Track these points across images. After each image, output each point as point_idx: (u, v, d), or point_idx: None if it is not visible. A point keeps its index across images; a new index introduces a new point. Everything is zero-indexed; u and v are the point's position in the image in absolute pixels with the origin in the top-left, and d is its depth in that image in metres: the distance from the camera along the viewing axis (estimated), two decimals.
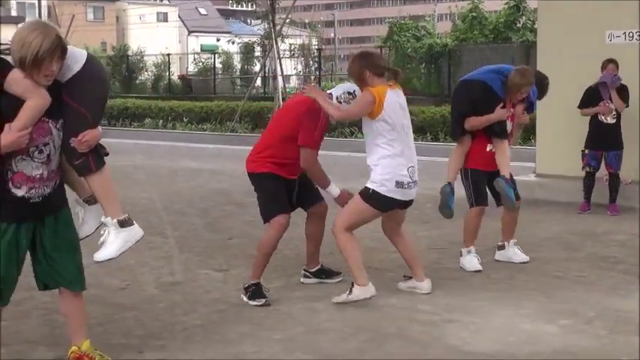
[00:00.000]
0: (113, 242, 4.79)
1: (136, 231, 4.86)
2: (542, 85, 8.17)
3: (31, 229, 4.69)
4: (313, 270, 7.15)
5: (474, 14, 36.47)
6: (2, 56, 4.50)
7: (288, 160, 6.57)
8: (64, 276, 4.83)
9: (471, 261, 7.64)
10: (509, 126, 7.74)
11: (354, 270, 6.39)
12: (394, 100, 6.33)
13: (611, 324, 5.99)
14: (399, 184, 6.31)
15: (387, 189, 6.31)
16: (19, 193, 4.58)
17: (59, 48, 4.45)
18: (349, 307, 6.40)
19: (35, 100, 4.44)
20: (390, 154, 6.29)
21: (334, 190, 6.66)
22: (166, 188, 13.42)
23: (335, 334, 5.79)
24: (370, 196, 6.38)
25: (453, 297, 6.72)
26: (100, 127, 4.74)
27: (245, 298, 6.52)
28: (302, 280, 7.16)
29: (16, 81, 4.41)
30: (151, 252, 8.33)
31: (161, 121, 32.40)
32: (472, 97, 7.62)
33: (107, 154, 4.84)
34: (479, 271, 7.54)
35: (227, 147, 21.86)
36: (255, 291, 6.52)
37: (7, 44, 4.62)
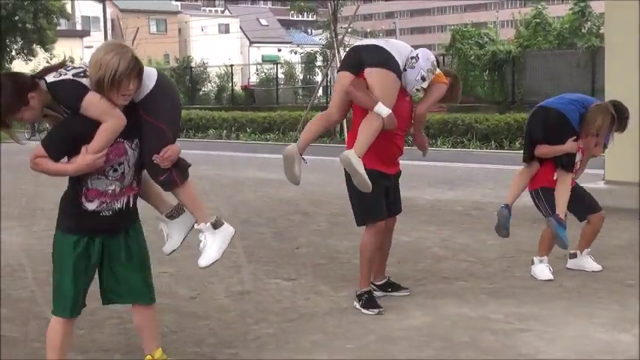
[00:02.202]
0: (212, 246, 4.95)
1: (228, 229, 5.03)
2: (620, 119, 7.94)
3: (101, 243, 4.77)
4: (379, 283, 7.01)
5: (538, 20, 36.13)
6: (78, 79, 4.57)
7: (377, 148, 6.23)
8: (131, 293, 4.90)
9: (542, 270, 7.57)
10: (578, 157, 7.66)
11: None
12: None
13: None
14: None
15: None
16: (91, 207, 4.66)
17: (136, 68, 4.52)
18: (420, 315, 6.39)
19: (111, 122, 4.51)
20: None
21: (383, 109, 6.06)
22: (232, 198, 13.52)
23: (408, 343, 5.78)
24: None
25: (525, 306, 6.66)
26: (177, 143, 4.82)
27: (358, 306, 6.47)
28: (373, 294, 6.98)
29: (93, 104, 4.48)
30: (219, 262, 8.29)
31: (225, 131, 32.68)
32: (547, 125, 7.55)
33: (189, 166, 4.93)
34: (550, 280, 7.47)
35: None
36: (368, 299, 6.45)
37: (80, 67, 4.69)
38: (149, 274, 4.99)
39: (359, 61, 6.20)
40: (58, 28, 53.25)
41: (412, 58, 6.24)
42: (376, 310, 6.36)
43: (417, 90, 6.33)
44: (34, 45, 50.09)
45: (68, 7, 56.70)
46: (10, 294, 7.34)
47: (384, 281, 7.03)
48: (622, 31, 11.76)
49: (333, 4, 30.09)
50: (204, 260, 4.97)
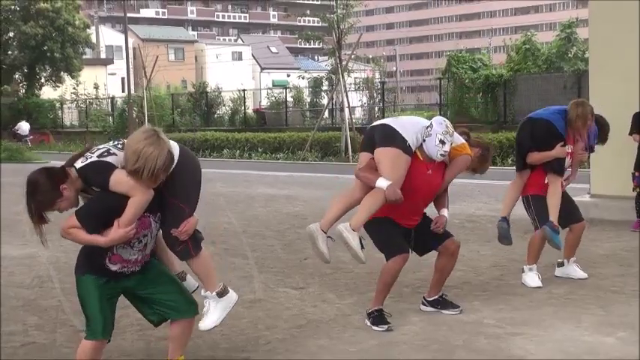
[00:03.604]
0: (215, 311, 5.11)
1: (231, 297, 5.20)
2: (602, 130, 8.10)
3: (123, 280, 4.86)
4: (431, 299, 6.79)
5: (527, 46, 36.23)
6: (103, 159, 4.62)
7: (392, 210, 6.17)
8: (175, 309, 4.97)
9: (532, 278, 7.57)
10: (567, 162, 7.68)
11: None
12: None
13: None
14: None
15: None
16: (113, 268, 4.77)
17: (171, 163, 4.62)
18: (420, 322, 6.40)
19: (140, 196, 4.57)
20: None
21: (383, 182, 5.95)
22: (245, 213, 13.54)
23: (407, 346, 5.79)
24: None
25: (516, 311, 6.66)
26: (196, 215, 4.89)
27: (368, 323, 6.32)
28: (420, 307, 6.82)
29: (121, 182, 4.54)
30: (233, 272, 8.42)
31: (238, 151, 32.70)
32: (535, 134, 7.58)
33: (202, 239, 5.03)
34: (539, 287, 7.47)
35: (299, 174, 21.96)
36: (377, 317, 6.30)
37: (104, 147, 4.73)
38: (181, 285, 5.09)
39: (372, 140, 6.16)
40: (84, 56, 53.53)
41: (427, 127, 6.13)
42: (385, 327, 6.22)
43: (442, 155, 6.12)
44: (62, 73, 50.36)
45: (93, 37, 57.07)
46: (40, 303, 7.36)
47: (435, 298, 6.77)
48: (606, 48, 11.80)
49: (338, 32, 30.15)
50: (204, 324, 5.11)
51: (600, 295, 7.21)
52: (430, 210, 6.49)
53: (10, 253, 9.91)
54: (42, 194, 4.55)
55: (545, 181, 7.58)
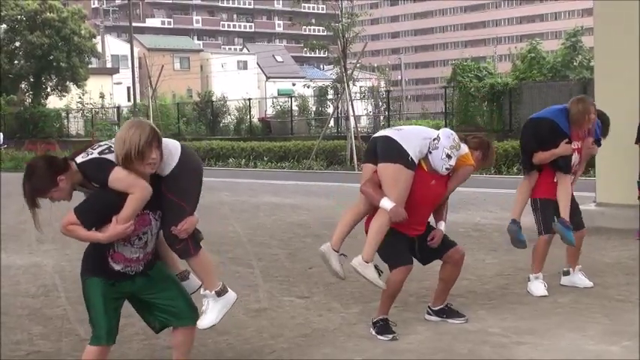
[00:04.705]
0: (213, 310, 5.10)
1: (230, 296, 5.18)
2: (604, 122, 8.14)
3: (128, 283, 4.86)
4: (436, 308, 6.77)
5: (533, 55, 36.19)
6: (104, 156, 4.66)
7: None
8: (177, 315, 4.97)
9: (537, 286, 7.56)
10: (575, 159, 7.67)
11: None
12: None
13: None
14: None
15: None
16: (116, 267, 4.78)
17: (155, 138, 4.62)
18: (425, 331, 6.39)
19: (138, 193, 4.59)
20: None
21: (387, 203, 5.99)
22: (250, 222, 13.54)
23: (412, 355, 5.78)
24: None
25: (522, 320, 6.65)
26: (196, 214, 4.90)
27: (373, 332, 6.31)
28: (425, 316, 6.81)
29: (120, 179, 4.57)
30: (237, 281, 8.41)
31: (243, 160, 32.71)
32: (539, 133, 7.58)
33: (202, 239, 5.04)
34: (545, 296, 7.45)
35: (305, 183, 21.96)
36: (382, 326, 6.29)
37: (105, 144, 4.78)
38: (185, 290, 5.09)
39: (375, 153, 6.13)
40: (90, 66, 53.67)
41: (434, 139, 6.08)
42: (390, 336, 6.20)
43: (447, 169, 6.11)
44: (68, 82, 50.46)
45: (99, 47, 57.22)
46: (45, 312, 7.38)
47: (440, 307, 6.74)
48: (611, 57, 11.80)
49: (343, 41, 30.18)
50: (202, 323, 5.08)
51: (606, 303, 7.19)
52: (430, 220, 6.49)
53: (16, 262, 9.93)
54: (38, 180, 4.60)
55: (555, 180, 7.56)
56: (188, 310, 5.00)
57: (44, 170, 4.61)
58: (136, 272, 4.84)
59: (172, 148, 4.81)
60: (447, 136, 6.10)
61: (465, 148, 6.31)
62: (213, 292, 5.07)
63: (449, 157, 6.05)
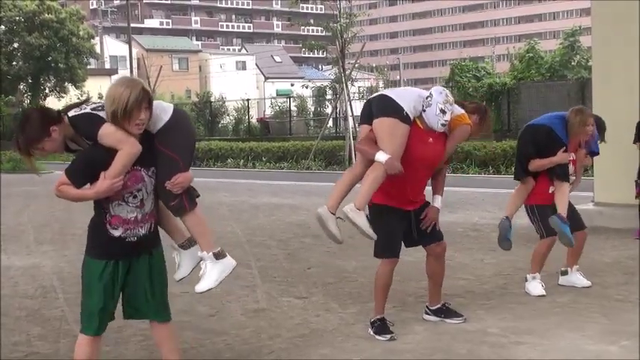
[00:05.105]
0: (211, 273, 4.90)
1: (229, 261, 4.98)
2: (599, 126, 8.12)
3: (127, 265, 4.80)
4: (434, 308, 6.74)
5: (531, 54, 36.26)
6: (95, 112, 4.66)
7: (393, 187, 6.13)
8: (149, 310, 4.90)
9: (535, 286, 7.55)
10: (571, 169, 7.67)
11: None
12: None
13: None
14: None
15: None
16: (116, 233, 4.71)
17: (145, 98, 4.59)
18: (423, 331, 6.39)
19: (127, 149, 4.56)
20: None
21: (381, 156, 5.90)
22: (248, 222, 13.53)
23: (410, 355, 5.78)
24: None
25: (520, 320, 6.65)
26: (191, 171, 4.85)
27: (371, 332, 6.29)
28: (424, 316, 6.78)
29: (108, 133, 4.55)
30: (236, 281, 8.39)
31: (242, 160, 32.71)
32: (536, 140, 7.57)
33: (198, 196, 4.93)
34: (543, 295, 7.45)
35: (303, 183, 21.95)
36: (380, 326, 6.28)
37: (99, 102, 4.78)
38: (166, 295, 4.99)
39: (370, 112, 6.13)
40: (88, 67, 53.66)
41: (427, 97, 6.08)
42: (388, 336, 6.19)
43: (443, 125, 6.08)
44: (66, 83, 50.47)
45: (97, 48, 57.17)
46: (43, 313, 7.37)
47: (437, 307, 6.72)
48: (609, 56, 11.81)
49: (341, 42, 30.18)
50: (200, 286, 4.93)
51: (604, 303, 7.19)
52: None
53: (15, 263, 9.92)
54: (32, 129, 4.62)
55: (550, 191, 7.55)
56: (160, 306, 4.90)
57: (38, 120, 4.63)
58: (138, 241, 4.74)
59: (166, 106, 4.80)
60: (439, 92, 6.12)
61: (459, 109, 6.33)
62: (211, 253, 4.90)
63: (443, 112, 6.04)
